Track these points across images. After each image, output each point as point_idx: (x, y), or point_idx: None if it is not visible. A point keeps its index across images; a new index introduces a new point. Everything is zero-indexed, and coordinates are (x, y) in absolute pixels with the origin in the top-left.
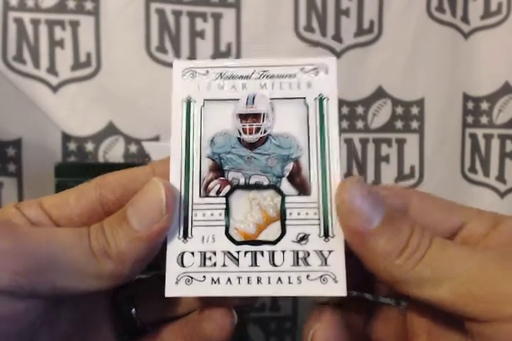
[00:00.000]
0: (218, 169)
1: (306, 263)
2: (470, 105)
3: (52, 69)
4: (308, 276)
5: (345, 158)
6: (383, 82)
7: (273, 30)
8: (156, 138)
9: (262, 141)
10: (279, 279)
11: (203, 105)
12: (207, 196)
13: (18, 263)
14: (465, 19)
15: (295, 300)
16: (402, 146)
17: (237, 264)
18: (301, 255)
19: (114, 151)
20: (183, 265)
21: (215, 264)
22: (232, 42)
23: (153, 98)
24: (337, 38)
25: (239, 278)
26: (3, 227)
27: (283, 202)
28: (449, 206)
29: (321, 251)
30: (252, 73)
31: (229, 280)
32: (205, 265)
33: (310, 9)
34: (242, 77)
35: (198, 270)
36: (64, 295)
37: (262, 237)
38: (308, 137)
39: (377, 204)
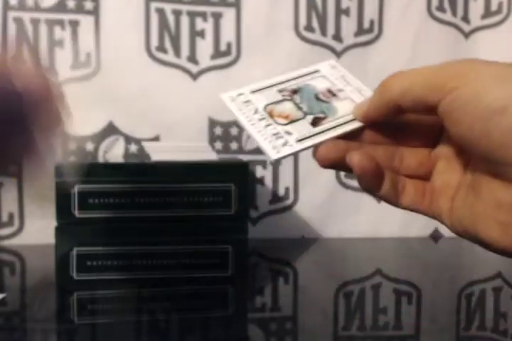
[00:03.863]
0: (295, 92)
1: (277, 138)
2: None
3: (52, 69)
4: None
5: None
6: None
7: (273, 29)
8: (156, 138)
9: (329, 101)
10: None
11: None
12: (279, 93)
13: None
14: (465, 19)
15: (295, 300)
16: None
17: (254, 114)
18: (279, 135)
19: (114, 151)
20: (238, 95)
21: (247, 106)
22: (232, 41)
23: (153, 98)
24: (337, 37)
25: (248, 117)
26: None
27: (300, 118)
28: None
29: (287, 142)
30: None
31: (244, 114)
32: (244, 103)
33: (310, 9)
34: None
35: (240, 103)
36: None
37: (275, 118)
38: (342, 116)
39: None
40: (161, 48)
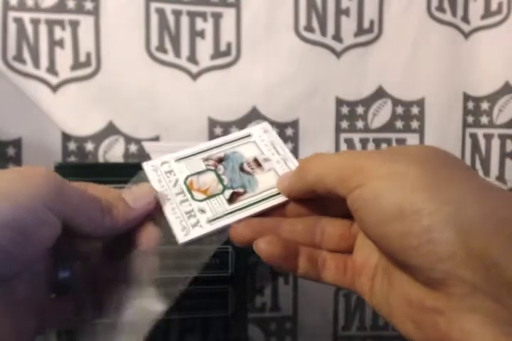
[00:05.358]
0: (221, 160)
1: (189, 217)
2: (470, 105)
3: (52, 69)
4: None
5: None
6: (383, 82)
7: (273, 30)
8: (156, 138)
9: (250, 174)
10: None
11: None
12: (202, 161)
13: (57, 200)
14: (465, 19)
15: (295, 300)
16: None
17: (173, 187)
18: (192, 213)
19: (114, 151)
20: (161, 165)
21: (168, 177)
22: (232, 41)
23: (153, 98)
24: (337, 37)
25: (166, 190)
26: (51, 173)
27: (218, 194)
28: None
29: (198, 222)
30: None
31: (163, 186)
32: (166, 174)
33: (310, 9)
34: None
35: (162, 172)
36: (69, 231)
37: (193, 192)
38: (262, 191)
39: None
40: (161, 48)
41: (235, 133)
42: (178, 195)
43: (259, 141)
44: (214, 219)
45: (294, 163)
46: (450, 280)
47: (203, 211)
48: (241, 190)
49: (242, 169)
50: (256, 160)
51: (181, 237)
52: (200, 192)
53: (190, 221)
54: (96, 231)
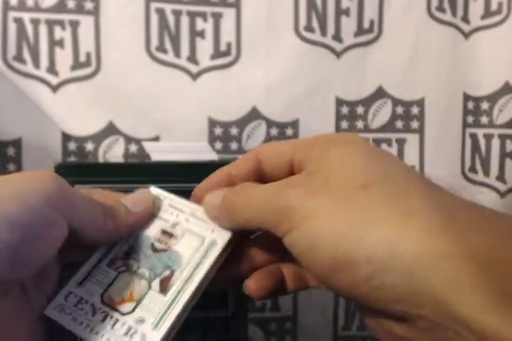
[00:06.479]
0: (128, 255)
1: (131, 338)
2: (470, 105)
3: (52, 69)
4: None
5: None
6: (383, 82)
7: (273, 30)
8: (156, 138)
9: (163, 250)
10: (108, 339)
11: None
12: (110, 266)
13: (63, 202)
14: (465, 19)
15: (295, 300)
16: (402, 146)
17: (93, 316)
18: (131, 331)
19: (114, 151)
20: (65, 299)
21: (82, 309)
22: (232, 41)
23: (153, 98)
24: (337, 37)
25: (87, 325)
26: (56, 177)
27: (146, 293)
28: (277, 147)
29: (144, 335)
30: (186, 210)
31: (82, 323)
32: (76, 306)
33: (310, 9)
34: (180, 210)
35: (70, 307)
36: (74, 236)
37: (118, 307)
38: (189, 261)
39: (216, 202)
40: (161, 48)
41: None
42: (104, 321)
43: (157, 212)
44: (159, 322)
45: (201, 212)
46: (409, 317)
47: (142, 321)
48: (167, 273)
49: (155, 250)
50: (165, 232)
51: None
52: (126, 302)
53: (135, 339)
54: (99, 235)
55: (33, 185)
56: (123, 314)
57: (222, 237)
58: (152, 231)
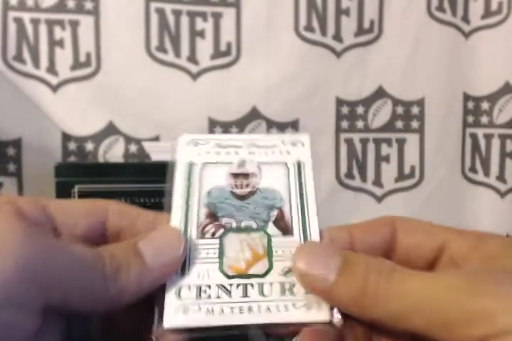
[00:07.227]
0: (213, 215)
1: (292, 293)
2: (470, 105)
3: (52, 69)
4: (294, 305)
5: (345, 158)
6: (383, 82)
7: (273, 29)
8: (156, 138)
9: (251, 194)
10: (268, 308)
11: (203, 167)
12: (202, 237)
13: (40, 277)
14: (465, 19)
15: None
16: (402, 146)
17: (230, 296)
18: (287, 286)
19: (114, 151)
20: (180, 297)
21: (209, 296)
22: (232, 41)
23: (153, 98)
24: (337, 37)
25: (232, 308)
26: (29, 235)
27: (269, 241)
28: (429, 227)
29: None
30: (243, 144)
31: (222, 310)
32: (200, 297)
33: (310, 9)
34: (235, 147)
35: (193, 302)
36: (66, 312)
37: (251, 271)
38: (289, 191)
39: (329, 261)
40: (161, 48)
41: (269, 136)
42: (248, 295)
43: (212, 158)
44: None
45: (261, 140)
46: None
47: (288, 272)
48: (275, 213)
49: (240, 197)
50: (236, 175)
51: (171, 319)
52: (254, 262)
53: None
54: (96, 305)
55: None
56: (261, 276)
57: (304, 154)
58: (221, 180)
